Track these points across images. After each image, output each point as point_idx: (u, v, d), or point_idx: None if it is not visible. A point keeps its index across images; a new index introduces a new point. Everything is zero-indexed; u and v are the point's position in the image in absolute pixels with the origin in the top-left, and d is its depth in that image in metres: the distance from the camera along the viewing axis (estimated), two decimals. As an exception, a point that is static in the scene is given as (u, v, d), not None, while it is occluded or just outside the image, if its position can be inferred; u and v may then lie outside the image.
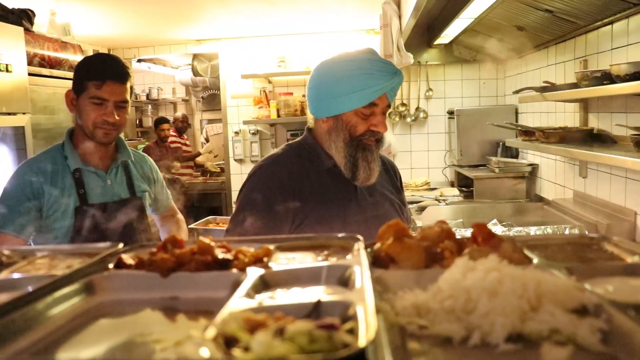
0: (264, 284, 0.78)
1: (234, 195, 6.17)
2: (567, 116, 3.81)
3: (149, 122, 8.37)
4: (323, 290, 0.76)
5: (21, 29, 3.40)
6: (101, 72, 2.10)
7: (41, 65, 3.72)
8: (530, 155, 4.81)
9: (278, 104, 5.78)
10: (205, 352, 0.50)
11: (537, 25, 3.58)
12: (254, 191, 1.82)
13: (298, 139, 2.01)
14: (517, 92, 3.72)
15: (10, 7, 3.57)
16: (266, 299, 0.71)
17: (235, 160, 6.19)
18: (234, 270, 0.83)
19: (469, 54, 5.52)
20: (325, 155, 1.88)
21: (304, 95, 5.87)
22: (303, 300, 0.68)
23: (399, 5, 4.19)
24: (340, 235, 1.02)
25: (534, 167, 4.65)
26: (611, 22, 3.05)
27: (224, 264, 0.84)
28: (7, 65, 3.17)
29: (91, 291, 0.80)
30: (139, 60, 6.87)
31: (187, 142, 8.00)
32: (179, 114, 8.33)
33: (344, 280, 0.79)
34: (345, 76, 1.77)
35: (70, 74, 4.04)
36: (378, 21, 4.55)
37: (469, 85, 5.72)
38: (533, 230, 3.29)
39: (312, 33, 5.84)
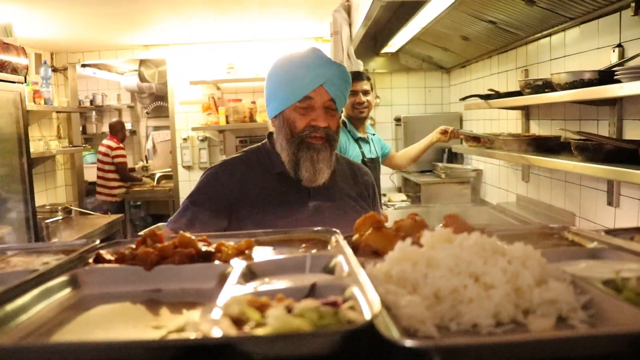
0: (251, 274, 0.80)
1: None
2: (509, 123, 3.98)
3: (93, 129, 8.17)
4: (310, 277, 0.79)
5: (-38, 30, 3.30)
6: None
7: (-17, 68, 3.60)
8: (475, 160, 4.98)
9: (227, 111, 5.78)
10: (220, 330, 0.52)
11: (481, 35, 3.73)
12: (198, 192, 1.84)
13: (258, 144, 1.99)
14: (463, 99, 3.86)
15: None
16: (259, 285, 0.74)
17: (184, 167, 6.13)
18: (217, 262, 0.85)
19: (415, 62, 5.67)
20: (277, 159, 1.85)
21: (253, 102, 5.89)
22: (298, 284, 0.71)
23: (348, 13, 4.27)
24: (316, 228, 1.06)
25: (478, 172, 4.82)
26: (550, 35, 3.22)
27: (207, 257, 0.86)
28: (-52, 67, 3.06)
29: (75, 285, 0.80)
30: (83, 65, 6.71)
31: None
32: (114, 119, 7.66)
33: (328, 269, 0.82)
34: (282, 73, 1.78)
35: (13, 77, 3.96)
36: (327, 29, 4.63)
37: (415, 93, 5.86)
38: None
39: (261, 40, 5.86)
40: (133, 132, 9.40)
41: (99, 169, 7.14)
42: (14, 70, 3.90)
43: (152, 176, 8.05)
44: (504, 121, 4.09)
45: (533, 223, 3.17)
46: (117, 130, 7.23)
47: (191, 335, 0.53)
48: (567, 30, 3.02)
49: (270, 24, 5.22)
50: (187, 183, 6.15)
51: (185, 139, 6.06)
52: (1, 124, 3.99)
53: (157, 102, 8.60)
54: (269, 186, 1.79)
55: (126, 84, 8.45)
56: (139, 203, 7.46)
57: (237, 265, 0.83)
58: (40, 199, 5.38)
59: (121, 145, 7.21)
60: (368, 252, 0.88)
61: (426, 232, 0.75)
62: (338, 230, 1.02)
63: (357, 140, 3.71)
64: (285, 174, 1.82)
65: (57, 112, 5.93)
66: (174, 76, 6.03)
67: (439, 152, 5.25)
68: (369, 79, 3.82)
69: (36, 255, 0.97)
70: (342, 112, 1.94)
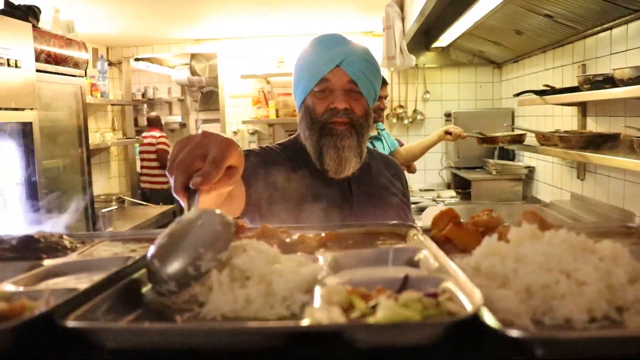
0: (337, 266, 0.82)
1: (231, 195, 6.23)
2: (564, 120, 3.90)
3: (144, 121, 8.38)
4: (394, 270, 0.81)
5: (29, 24, 3.42)
6: None
7: (47, 62, 3.73)
8: (527, 157, 4.90)
9: (277, 104, 5.83)
10: (335, 316, 0.55)
11: (536, 29, 3.66)
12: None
13: (291, 137, 1.86)
14: (517, 95, 3.80)
15: (16, 3, 3.59)
16: (350, 276, 0.75)
17: (233, 159, 6.21)
18: (300, 254, 0.87)
19: (465, 57, 5.61)
20: (302, 150, 1.71)
21: (302, 96, 5.92)
22: (389, 275, 0.72)
23: (401, 8, 4.26)
24: (392, 222, 1.07)
25: (531, 170, 4.74)
26: (610, 28, 3.13)
27: (290, 248, 0.88)
28: (16, 60, 3.19)
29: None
30: (136, 59, 6.88)
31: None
32: (152, 113, 8.17)
33: (412, 262, 0.83)
34: (301, 62, 1.68)
35: (75, 71, 4.10)
36: (379, 23, 4.63)
37: (466, 88, 5.80)
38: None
39: (312, 34, 5.83)
40: (183, 125, 9.58)
41: (142, 159, 7.58)
42: (76, 65, 4.03)
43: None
44: (559, 117, 4.01)
45: (598, 221, 3.10)
46: (156, 123, 7.78)
47: (304, 321, 0.56)
48: (629, 23, 2.94)
49: (321, 18, 5.24)
50: (237, 176, 6.24)
51: (235, 132, 6.15)
52: (63, 116, 4.13)
53: (208, 87, 8.69)
54: (305, 184, 1.62)
55: (177, 77, 8.61)
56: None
57: (323, 256, 0.85)
58: (96, 189, 5.55)
59: (164, 134, 7.73)
60: (447, 245, 0.90)
61: (512, 228, 0.76)
62: (415, 224, 1.03)
63: (370, 139, 3.67)
64: (313, 168, 1.67)
65: (112, 104, 6.09)
66: (225, 70, 6.12)
67: (489, 149, 5.18)
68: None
69: (121, 243, 1.02)
70: (374, 100, 1.79)
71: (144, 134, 7.61)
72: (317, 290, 0.66)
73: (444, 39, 4.88)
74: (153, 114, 8.18)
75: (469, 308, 0.55)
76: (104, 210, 4.73)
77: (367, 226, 1.05)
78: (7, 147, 3.27)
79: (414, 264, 0.83)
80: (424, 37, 5.20)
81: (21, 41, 3.29)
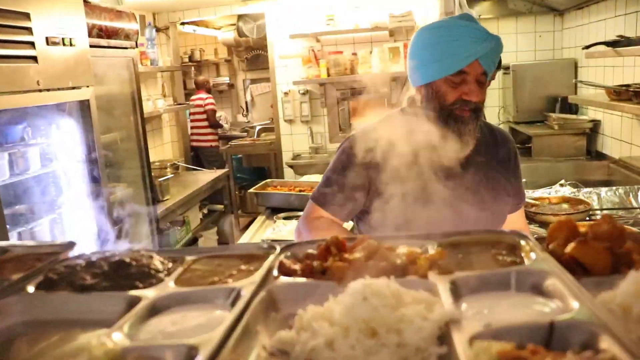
0: (458, 292, 0.76)
1: (285, 156, 6.20)
2: (636, 71, 3.66)
3: (192, 84, 8.39)
4: (525, 300, 0.73)
5: (80, 0, 3.38)
6: None
7: (99, 36, 3.70)
8: (592, 110, 4.66)
9: (328, 63, 5.70)
10: None
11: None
12: (335, 163, 1.86)
13: (396, 109, 1.94)
14: (586, 47, 3.57)
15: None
16: (482, 315, 0.68)
17: (285, 120, 6.16)
18: (413, 277, 0.80)
19: (524, 5, 5.32)
20: (419, 128, 1.73)
21: (353, 54, 5.77)
22: (532, 321, 0.64)
23: (458, -41, 4.04)
24: (503, 230, 0.99)
25: (596, 124, 4.50)
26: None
27: (401, 270, 0.81)
28: (70, 39, 3.16)
29: (273, 306, 0.78)
30: (182, 23, 6.82)
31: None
32: (199, 77, 8.50)
33: (539, 289, 0.76)
34: (436, 43, 1.71)
35: (126, 43, 4.06)
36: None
37: (524, 39, 5.52)
38: (604, 192, 3.21)
39: (360, -10, 5.68)
40: (231, 86, 9.54)
41: (192, 120, 7.94)
42: (127, 37, 4.00)
43: (252, 129, 8.19)
44: (630, 68, 3.76)
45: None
46: (203, 85, 8.10)
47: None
48: None
49: (370, -28, 5.04)
50: (289, 137, 6.19)
51: (286, 93, 6.06)
52: (117, 89, 4.13)
53: (254, 50, 8.69)
54: (412, 156, 1.69)
55: (223, 38, 8.53)
56: (239, 156, 7.64)
57: (440, 281, 0.78)
58: (150, 157, 5.60)
59: (210, 95, 8.11)
60: (573, 266, 0.81)
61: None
62: (529, 234, 0.94)
63: None
64: (432, 145, 1.71)
65: (161, 71, 6.08)
66: (273, 30, 5.99)
67: (550, 101, 4.95)
68: None
69: (217, 260, 0.96)
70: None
71: (192, 97, 7.84)
72: (459, 344, 0.59)
73: (502, -12, 4.63)
74: (201, 77, 8.39)
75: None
76: (161, 179, 4.77)
77: (473, 234, 0.97)
78: (67, 125, 3.28)
79: (541, 291, 0.75)
80: (479, -14, 4.94)
81: (74, 18, 3.26)
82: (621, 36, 3.25)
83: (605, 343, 0.56)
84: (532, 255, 0.85)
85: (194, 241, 5.27)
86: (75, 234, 3.31)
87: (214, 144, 8.13)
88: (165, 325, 0.73)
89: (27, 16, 2.82)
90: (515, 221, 2.00)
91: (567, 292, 0.70)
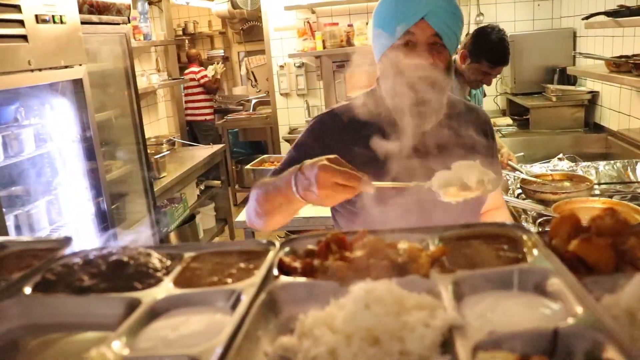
0: (459, 293, 0.75)
1: (281, 130, 6.17)
2: (637, 41, 3.61)
3: (185, 57, 8.30)
4: (533, 301, 0.72)
5: (69, -25, 3.30)
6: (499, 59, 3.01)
7: (90, 12, 3.63)
8: (590, 81, 4.62)
9: (323, 35, 5.63)
10: None
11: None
12: (302, 140, 1.73)
13: (367, 89, 1.80)
14: (586, 18, 3.51)
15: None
16: (484, 319, 0.67)
17: (281, 94, 6.11)
18: (415, 277, 0.79)
19: (522, -27, 5.24)
20: (382, 105, 1.66)
21: (349, 25, 5.69)
22: (536, 327, 0.63)
23: None
24: (502, 222, 0.98)
25: (594, 95, 4.47)
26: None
27: (402, 268, 0.80)
28: (61, 16, 3.09)
29: (274, 308, 0.78)
30: (177, -5, 6.72)
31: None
32: (191, 50, 8.50)
33: (542, 289, 0.75)
34: (382, 11, 1.60)
35: (118, 19, 3.99)
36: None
37: (522, 8, 5.45)
38: (602, 166, 3.20)
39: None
40: (226, 59, 9.44)
41: (186, 94, 7.95)
42: (118, 12, 3.92)
43: (247, 102, 8.14)
44: (630, 38, 3.72)
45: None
46: (195, 58, 8.17)
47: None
48: None
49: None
50: (285, 110, 6.15)
51: (281, 66, 6.00)
52: (110, 65, 4.07)
53: (249, 22, 8.59)
54: (376, 137, 1.54)
55: (217, 9, 8.40)
56: (235, 130, 7.59)
57: (441, 281, 0.77)
58: (146, 133, 5.57)
59: (202, 68, 8.14)
60: (575, 263, 0.80)
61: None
62: (531, 229, 0.93)
63: None
64: (392, 122, 1.61)
65: (155, 45, 5.99)
66: (268, 1, 5.90)
67: (549, 72, 4.92)
68: None
69: (216, 258, 0.95)
70: (455, 52, 1.70)
71: (185, 72, 7.80)
72: (463, 353, 0.59)
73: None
74: (193, 50, 8.41)
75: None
76: (156, 156, 4.74)
77: (476, 227, 0.96)
78: (61, 105, 3.25)
79: (544, 292, 0.75)
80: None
81: (63, -6, 3.19)
82: (622, 6, 3.20)
83: (610, 353, 0.55)
84: (535, 251, 0.84)
85: (191, 218, 5.26)
86: (72, 215, 3.30)
87: (208, 117, 8.12)
88: (166, 331, 0.72)
89: (15, -6, 2.76)
90: (493, 202, 1.92)
91: (570, 294, 0.69)
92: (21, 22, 2.78)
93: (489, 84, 3.39)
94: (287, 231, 3.52)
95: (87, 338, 0.78)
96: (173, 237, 4.95)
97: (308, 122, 1.81)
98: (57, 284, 0.88)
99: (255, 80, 8.73)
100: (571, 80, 4.83)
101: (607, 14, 3.24)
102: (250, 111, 7.62)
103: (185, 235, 5.07)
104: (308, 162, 1.34)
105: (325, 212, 2.83)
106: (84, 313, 0.81)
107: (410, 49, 1.55)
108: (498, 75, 3.40)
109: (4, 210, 2.63)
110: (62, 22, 3.11)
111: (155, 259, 0.94)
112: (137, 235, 1.03)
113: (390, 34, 1.55)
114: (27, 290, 0.87)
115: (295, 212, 1.59)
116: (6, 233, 2.63)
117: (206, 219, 5.66)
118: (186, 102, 7.86)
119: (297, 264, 0.87)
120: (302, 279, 0.82)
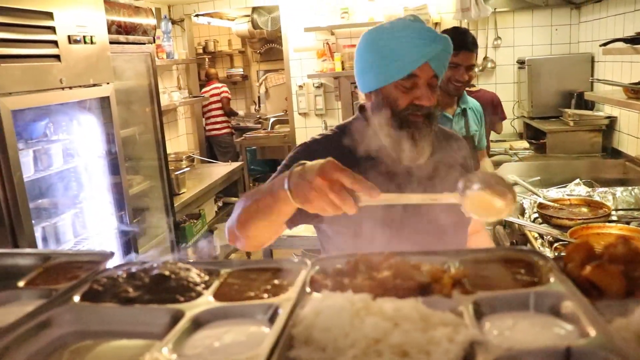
0: (479, 312, 0.80)
1: (298, 150, 6.24)
2: (655, 68, 3.65)
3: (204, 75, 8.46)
4: (545, 323, 0.77)
5: (100, -4, 3.42)
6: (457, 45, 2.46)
7: (118, 33, 3.75)
8: (608, 107, 4.65)
9: (342, 57, 5.73)
10: None
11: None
12: (287, 163, 1.71)
13: (350, 119, 1.85)
14: (604, 45, 3.57)
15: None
16: (503, 337, 0.73)
17: (300, 114, 6.20)
18: (438, 296, 0.85)
19: (540, -1, 5.30)
20: (372, 136, 1.70)
21: (368, 48, 5.77)
22: (550, 345, 0.69)
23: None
24: (519, 248, 1.03)
25: (612, 120, 4.50)
26: None
27: (425, 289, 0.86)
28: (91, 37, 3.21)
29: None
30: (197, 15, 6.85)
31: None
32: (211, 69, 8.68)
33: (556, 312, 0.80)
34: (383, 46, 1.62)
35: (144, 39, 4.11)
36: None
37: (540, 32, 5.51)
38: (619, 192, 3.21)
39: (375, -18, 5.68)
40: (245, 77, 9.58)
41: (206, 111, 8.04)
42: (144, 32, 4.04)
43: (265, 120, 8.24)
44: (649, 65, 3.75)
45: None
46: (213, 77, 8.38)
47: None
48: None
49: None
50: (304, 130, 6.23)
51: (300, 86, 6.09)
52: (135, 83, 4.18)
53: (269, 43, 8.74)
54: (366, 168, 1.55)
55: (237, 29, 8.56)
56: (253, 147, 7.69)
57: (463, 301, 0.82)
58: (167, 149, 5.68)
59: (224, 84, 8.40)
60: (588, 287, 0.85)
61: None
62: (546, 253, 0.99)
63: (450, 120, 3.16)
64: (383, 154, 1.66)
65: (177, 64, 6.12)
66: (288, 23, 6.02)
67: (566, 97, 4.95)
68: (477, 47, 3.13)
69: (251, 274, 1.01)
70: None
71: (204, 89, 7.97)
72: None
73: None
74: (212, 70, 8.60)
75: None
76: (177, 172, 4.83)
77: (494, 252, 1.01)
78: (88, 121, 3.35)
79: (559, 313, 0.80)
80: (495, -20, 4.93)
81: (94, 15, 3.31)
82: None
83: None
84: (550, 276, 0.89)
85: (208, 234, 5.34)
86: (96, 228, 3.39)
87: (227, 131, 8.29)
88: (210, 340, 0.79)
89: (50, 15, 2.88)
90: (473, 225, 1.94)
91: (583, 316, 0.74)
92: (55, 43, 2.90)
93: (461, 79, 3.01)
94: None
95: (135, 345, 0.85)
96: (190, 253, 5.02)
97: (292, 149, 1.81)
98: (104, 295, 0.94)
99: (258, 105, 8.95)
100: (589, 105, 4.86)
101: (625, 40, 3.29)
102: (269, 130, 7.73)
103: (201, 251, 5.13)
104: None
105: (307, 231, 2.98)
106: (131, 322, 0.88)
107: (412, 89, 1.62)
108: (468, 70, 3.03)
109: (32, 222, 2.72)
110: (92, 42, 3.23)
111: (194, 274, 1.00)
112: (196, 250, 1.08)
113: (392, 73, 1.60)
114: (76, 298, 0.94)
115: (277, 224, 1.46)
116: (35, 244, 2.72)
117: (223, 236, 5.71)
118: (206, 117, 7.98)
119: (327, 282, 0.93)
120: (334, 294, 0.88)
